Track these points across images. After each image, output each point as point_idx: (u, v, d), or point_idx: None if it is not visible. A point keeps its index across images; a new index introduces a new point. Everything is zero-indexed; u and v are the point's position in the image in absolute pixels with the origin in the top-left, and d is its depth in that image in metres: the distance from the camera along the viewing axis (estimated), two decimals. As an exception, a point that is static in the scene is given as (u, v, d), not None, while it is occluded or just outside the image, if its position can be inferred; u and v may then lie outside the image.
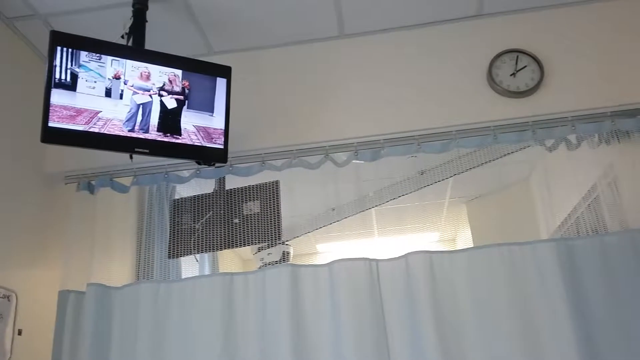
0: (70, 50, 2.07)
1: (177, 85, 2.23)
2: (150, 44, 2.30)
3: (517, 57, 2.55)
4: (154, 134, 2.19)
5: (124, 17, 2.33)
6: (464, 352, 2.20)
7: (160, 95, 2.21)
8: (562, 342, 2.13)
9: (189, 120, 2.26)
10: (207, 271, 3.32)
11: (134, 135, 2.15)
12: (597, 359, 2.12)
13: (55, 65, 2.04)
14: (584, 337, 2.14)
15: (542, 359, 2.15)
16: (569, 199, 3.11)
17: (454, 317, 2.25)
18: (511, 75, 2.53)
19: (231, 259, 5.07)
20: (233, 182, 2.74)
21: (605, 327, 2.16)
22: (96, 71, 2.11)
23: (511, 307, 2.23)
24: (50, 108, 2.02)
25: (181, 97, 2.24)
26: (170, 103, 2.22)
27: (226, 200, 2.75)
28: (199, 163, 2.49)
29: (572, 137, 2.54)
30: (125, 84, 2.15)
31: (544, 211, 3.72)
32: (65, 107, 2.05)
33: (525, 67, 2.53)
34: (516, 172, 3.94)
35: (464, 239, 4.74)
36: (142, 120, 2.17)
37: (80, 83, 2.08)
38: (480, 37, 2.64)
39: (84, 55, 2.09)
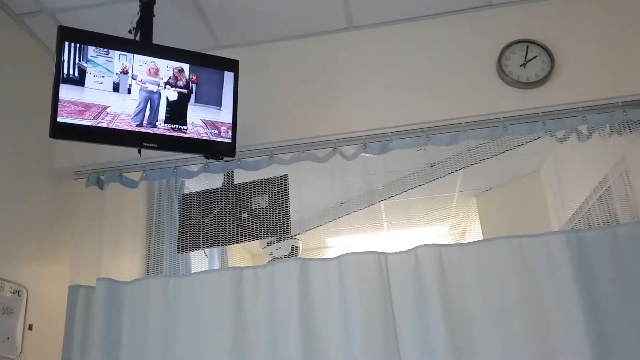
0: (78, 45, 2.07)
1: (181, 80, 2.23)
2: (157, 38, 2.30)
3: (527, 47, 2.52)
4: (162, 129, 2.19)
5: (132, 12, 2.33)
6: (474, 345, 2.19)
7: (167, 90, 2.20)
8: (574, 334, 2.12)
9: (197, 114, 2.26)
10: (216, 265, 3.32)
11: (142, 130, 2.15)
12: (609, 351, 2.10)
13: (63, 61, 2.05)
14: (596, 329, 2.12)
15: (553, 351, 2.14)
16: (580, 190, 3.08)
17: (463, 310, 2.24)
18: (521, 65, 2.51)
19: (240, 254, 5.08)
20: (241, 177, 2.74)
21: (617, 319, 2.14)
22: (104, 66, 2.11)
23: (521, 300, 2.22)
24: (59, 103, 2.03)
25: (185, 91, 2.24)
26: (175, 96, 2.22)
27: (235, 195, 2.75)
28: (207, 157, 2.49)
29: (583, 128, 2.51)
30: (133, 78, 2.15)
31: (555, 203, 3.69)
32: (73, 102, 2.05)
33: (535, 57, 2.51)
34: (526, 164, 3.91)
35: (474, 232, 4.71)
36: (150, 114, 2.17)
37: (88, 78, 2.08)
38: (489, 28, 2.62)
39: (91, 50, 2.09)
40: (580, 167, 3.03)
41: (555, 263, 2.24)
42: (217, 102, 2.30)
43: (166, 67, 2.21)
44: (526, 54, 2.52)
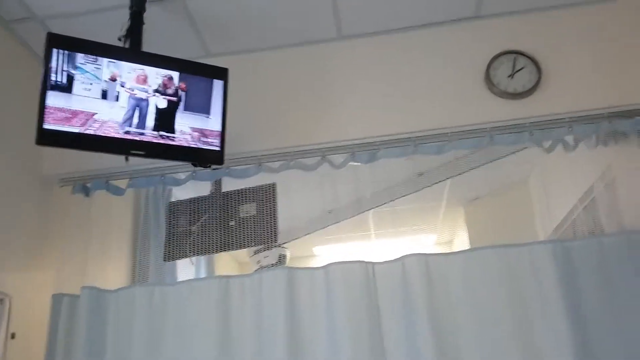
0: (66, 52, 2.06)
1: (170, 88, 2.22)
2: (147, 46, 2.29)
3: (515, 58, 2.55)
4: (149, 136, 2.18)
5: (122, 20, 2.32)
6: (460, 353, 2.19)
7: (156, 97, 2.20)
8: (559, 343, 2.13)
9: (185, 122, 2.25)
10: (203, 274, 3.30)
11: (129, 137, 2.14)
12: (594, 359, 2.11)
13: (51, 67, 2.03)
14: (581, 339, 2.13)
15: (538, 359, 2.14)
16: (567, 200, 3.10)
17: (450, 319, 2.24)
18: (509, 76, 2.53)
19: (227, 262, 5.05)
20: (229, 185, 2.73)
21: (602, 329, 2.16)
22: (92, 73, 2.10)
23: (507, 309, 2.23)
24: (46, 110, 2.01)
25: (174, 99, 2.23)
26: (164, 104, 2.21)
27: (222, 203, 2.74)
28: (195, 165, 2.48)
29: (570, 139, 2.54)
30: (122, 86, 2.14)
31: (542, 213, 3.72)
32: (60, 109, 2.03)
33: (522, 68, 2.53)
34: (514, 174, 3.94)
35: (462, 242, 4.74)
36: (138, 122, 2.16)
37: (76, 85, 2.06)
38: (477, 39, 2.64)
39: (80, 57, 2.08)
40: (567, 177, 3.06)
41: (541, 273, 2.25)
42: (206, 110, 2.30)
43: (155, 75, 2.20)
44: (514, 65, 2.54)
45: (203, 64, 2.33)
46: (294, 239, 4.24)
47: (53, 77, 2.03)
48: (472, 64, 2.59)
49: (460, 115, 2.53)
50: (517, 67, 2.53)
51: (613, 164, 2.56)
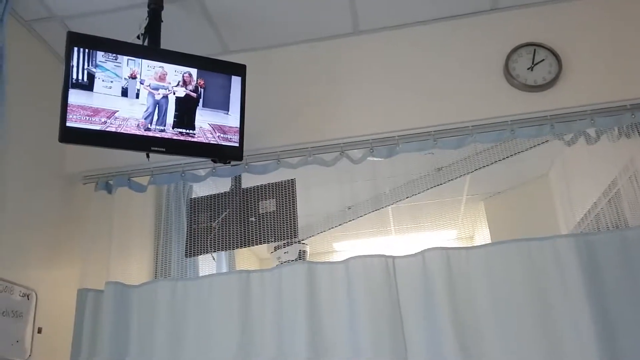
0: (86, 50, 2.09)
1: (190, 84, 2.24)
2: (165, 44, 2.32)
3: (535, 50, 2.52)
4: (170, 133, 2.20)
5: (140, 18, 2.35)
6: (482, 348, 2.18)
7: (175, 94, 2.22)
8: (582, 337, 2.10)
9: (205, 119, 2.27)
10: (224, 269, 3.33)
11: (150, 134, 2.17)
12: (618, 355, 2.08)
13: (72, 66, 2.06)
14: (605, 332, 2.10)
15: (561, 355, 2.12)
16: (589, 194, 3.06)
17: (471, 313, 2.23)
18: (528, 69, 2.50)
19: (248, 258, 5.08)
20: (249, 181, 2.74)
21: (626, 322, 2.13)
22: (112, 71, 2.13)
23: (530, 303, 2.21)
24: (68, 108, 2.05)
25: (194, 95, 2.25)
26: (184, 101, 2.23)
27: (242, 199, 2.76)
28: (214, 161, 2.50)
29: (591, 131, 2.50)
30: (141, 83, 2.16)
31: (564, 207, 3.67)
32: (82, 107, 2.07)
33: (542, 60, 2.50)
34: (534, 167, 3.89)
35: (482, 236, 4.69)
36: (158, 119, 2.19)
37: (97, 83, 2.10)
38: (496, 31, 2.62)
39: (100, 55, 2.11)
40: (589, 170, 3.02)
41: (564, 266, 2.22)
42: (225, 107, 2.32)
43: (174, 72, 2.22)
44: (533, 57, 2.51)
45: (221, 60, 2.35)
46: (313, 235, 4.25)
47: (74, 76, 2.06)
48: (491, 57, 2.57)
49: (479, 108, 2.51)
50: (537, 59, 2.50)
51: (636, 156, 2.52)
